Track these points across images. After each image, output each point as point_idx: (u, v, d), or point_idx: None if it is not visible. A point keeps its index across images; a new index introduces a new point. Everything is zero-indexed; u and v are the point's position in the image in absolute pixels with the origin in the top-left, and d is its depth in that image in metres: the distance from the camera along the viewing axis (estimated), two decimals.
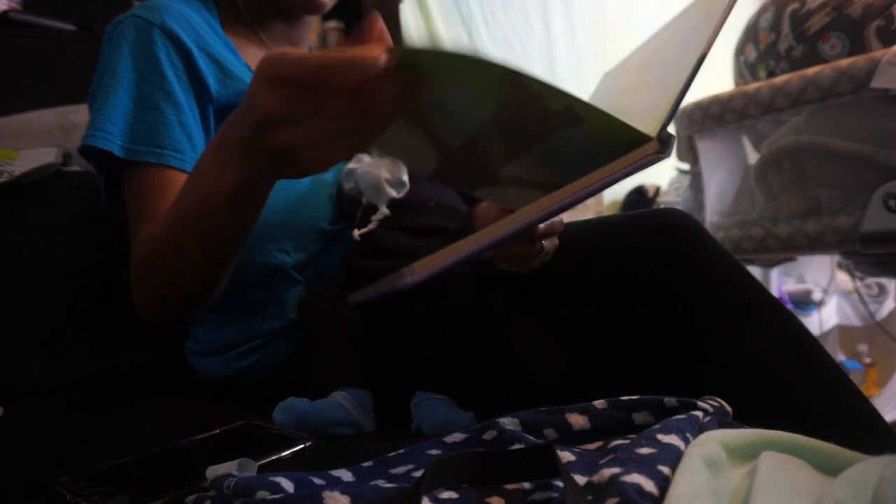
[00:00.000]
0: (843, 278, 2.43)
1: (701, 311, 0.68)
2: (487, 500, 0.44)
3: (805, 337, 0.67)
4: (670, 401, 0.55)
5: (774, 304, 0.68)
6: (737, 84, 1.82)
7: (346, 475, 0.50)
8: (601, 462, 0.45)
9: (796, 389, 0.63)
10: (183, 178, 0.77)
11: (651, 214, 0.76)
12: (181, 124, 0.77)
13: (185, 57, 0.79)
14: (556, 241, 0.72)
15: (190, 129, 0.78)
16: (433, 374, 0.71)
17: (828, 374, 0.64)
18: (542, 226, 0.66)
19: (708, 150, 1.71)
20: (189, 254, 0.66)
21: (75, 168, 1.05)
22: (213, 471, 0.47)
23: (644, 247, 0.72)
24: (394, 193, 0.78)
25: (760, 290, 0.69)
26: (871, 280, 2.38)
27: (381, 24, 0.45)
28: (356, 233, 0.78)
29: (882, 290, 2.44)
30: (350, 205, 0.83)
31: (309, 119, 0.46)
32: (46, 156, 1.02)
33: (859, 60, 1.34)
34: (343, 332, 0.73)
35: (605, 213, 2.71)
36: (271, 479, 0.45)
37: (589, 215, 2.55)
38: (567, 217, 0.68)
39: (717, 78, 2.72)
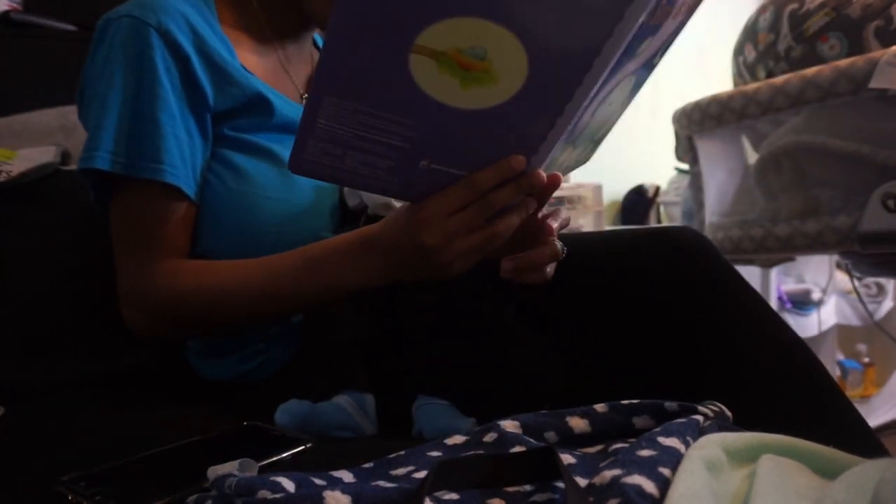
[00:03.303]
0: (842, 278, 2.43)
1: (711, 333, 0.70)
2: (488, 501, 0.44)
3: (804, 352, 0.68)
4: (671, 405, 0.55)
5: (782, 326, 0.70)
6: (736, 84, 1.82)
7: (346, 476, 0.50)
8: (602, 465, 0.45)
9: (793, 404, 0.65)
10: (176, 192, 0.76)
11: (664, 232, 0.77)
12: (175, 136, 0.75)
13: (182, 62, 0.75)
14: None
15: (181, 141, 0.75)
16: (435, 378, 0.71)
17: (827, 391, 0.66)
18: (565, 214, 0.67)
19: (708, 150, 1.71)
20: (247, 318, 0.76)
21: (74, 167, 1.05)
22: (215, 471, 0.47)
23: (654, 265, 0.73)
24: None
25: (768, 311, 0.71)
26: (870, 280, 2.39)
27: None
28: None
29: (881, 289, 2.45)
30: (353, 214, 0.82)
31: (462, 235, 0.61)
32: (45, 155, 1.02)
33: (858, 61, 1.34)
34: (346, 336, 0.73)
35: (605, 212, 2.71)
36: (272, 478, 0.45)
37: (589, 214, 2.55)
38: (574, 224, 0.69)
39: (716, 78, 2.72)
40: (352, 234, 0.70)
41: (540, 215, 0.68)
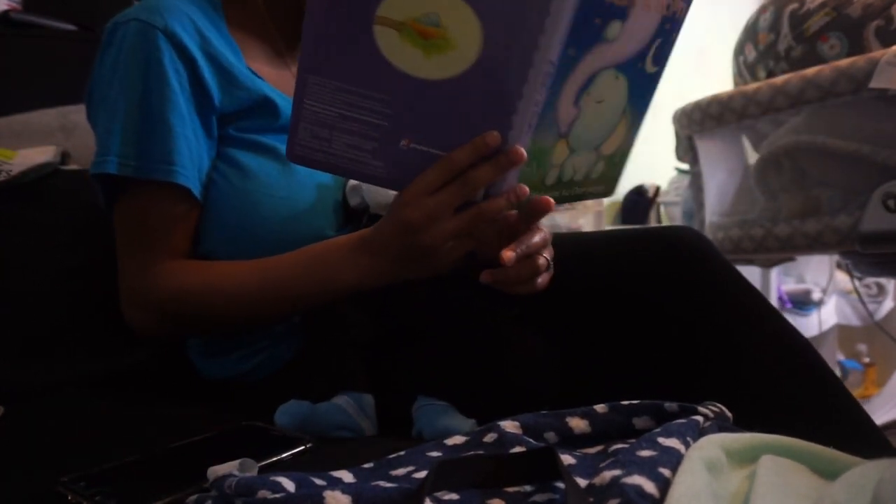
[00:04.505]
0: (843, 278, 2.43)
1: (711, 332, 0.69)
2: (488, 501, 0.44)
3: (808, 351, 0.68)
4: (671, 405, 0.55)
5: (783, 324, 0.70)
6: (736, 84, 1.82)
7: (346, 476, 0.50)
8: (602, 465, 0.45)
9: (793, 398, 0.65)
10: (184, 193, 0.76)
11: (663, 232, 0.77)
12: (185, 137, 0.75)
13: (189, 64, 0.76)
14: (552, 250, 0.72)
15: (190, 142, 0.76)
16: (435, 379, 0.71)
17: (832, 388, 0.66)
18: (537, 239, 0.66)
19: (708, 150, 1.71)
20: (247, 318, 0.76)
21: (73, 167, 1.05)
22: (215, 471, 0.47)
23: (653, 264, 0.73)
24: None
25: (768, 309, 0.71)
26: (870, 280, 2.39)
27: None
28: None
29: (881, 289, 2.44)
30: (355, 213, 0.82)
31: (445, 214, 0.61)
32: (44, 155, 1.02)
33: (858, 60, 1.34)
34: (346, 336, 0.73)
35: (605, 212, 2.71)
36: (272, 478, 0.45)
37: (589, 214, 2.55)
38: (567, 221, 0.68)
39: (716, 78, 2.72)
40: (349, 235, 0.71)
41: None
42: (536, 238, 0.66)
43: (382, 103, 0.58)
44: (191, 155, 0.76)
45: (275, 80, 0.84)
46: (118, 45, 0.77)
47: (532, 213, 0.65)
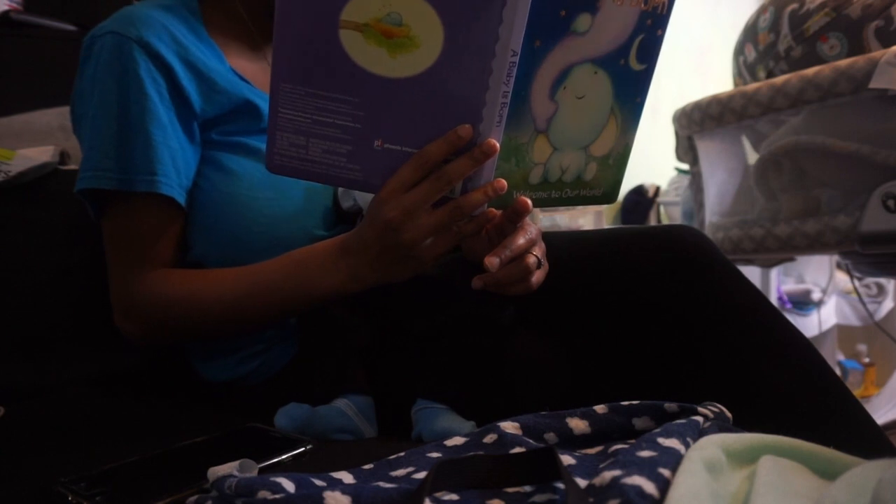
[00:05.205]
0: (843, 278, 2.43)
1: (711, 332, 0.69)
2: (488, 502, 0.44)
3: (808, 351, 0.68)
4: (671, 406, 0.55)
5: (784, 324, 0.70)
6: (736, 84, 1.82)
7: (346, 477, 0.50)
8: (602, 465, 0.45)
9: (793, 398, 0.65)
10: (168, 203, 0.76)
11: (662, 231, 0.77)
12: (167, 147, 0.75)
13: (167, 72, 0.76)
14: (543, 246, 0.72)
15: (174, 151, 0.76)
16: (435, 382, 0.71)
17: (834, 388, 0.66)
18: (522, 241, 0.66)
19: (708, 150, 1.71)
20: (235, 324, 0.76)
21: (72, 167, 1.05)
22: (215, 471, 0.48)
23: (653, 263, 0.73)
24: None
25: (769, 310, 0.71)
26: (870, 280, 2.39)
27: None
28: None
29: (881, 290, 2.45)
30: (348, 215, 0.82)
31: (423, 210, 0.61)
32: (43, 155, 1.02)
33: (858, 61, 1.34)
34: (342, 339, 0.73)
35: (605, 212, 2.71)
36: (272, 479, 0.45)
37: (589, 214, 2.55)
38: (567, 221, 0.68)
39: (716, 78, 2.73)
40: (332, 240, 0.71)
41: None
42: (521, 240, 0.66)
43: (353, 106, 0.58)
44: (174, 164, 0.76)
45: (260, 80, 0.84)
46: (95, 59, 0.77)
47: (514, 215, 0.65)
